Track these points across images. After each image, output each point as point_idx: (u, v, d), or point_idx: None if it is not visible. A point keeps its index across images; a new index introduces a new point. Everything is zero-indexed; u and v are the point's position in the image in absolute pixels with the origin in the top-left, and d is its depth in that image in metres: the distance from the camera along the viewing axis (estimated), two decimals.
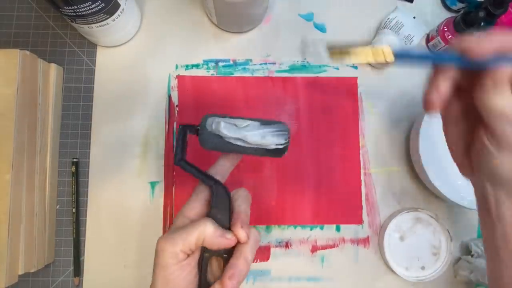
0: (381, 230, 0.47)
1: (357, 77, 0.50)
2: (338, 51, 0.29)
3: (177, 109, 0.48)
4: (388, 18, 0.49)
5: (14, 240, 0.38)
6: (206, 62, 0.49)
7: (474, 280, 0.44)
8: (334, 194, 0.48)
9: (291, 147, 0.49)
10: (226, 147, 0.31)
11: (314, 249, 0.47)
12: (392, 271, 0.45)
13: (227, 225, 0.30)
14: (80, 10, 0.39)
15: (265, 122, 0.32)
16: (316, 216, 0.47)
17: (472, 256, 0.46)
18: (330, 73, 0.50)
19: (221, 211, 0.30)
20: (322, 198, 0.48)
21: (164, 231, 0.46)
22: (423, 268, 0.46)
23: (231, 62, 0.50)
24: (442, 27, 0.48)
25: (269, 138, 0.31)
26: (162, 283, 0.28)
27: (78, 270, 0.45)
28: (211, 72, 0.49)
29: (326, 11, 0.51)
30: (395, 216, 0.46)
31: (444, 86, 0.27)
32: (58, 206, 0.46)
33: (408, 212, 0.46)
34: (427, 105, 0.29)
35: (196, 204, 0.31)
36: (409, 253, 0.46)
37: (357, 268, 0.47)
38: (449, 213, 0.48)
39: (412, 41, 0.48)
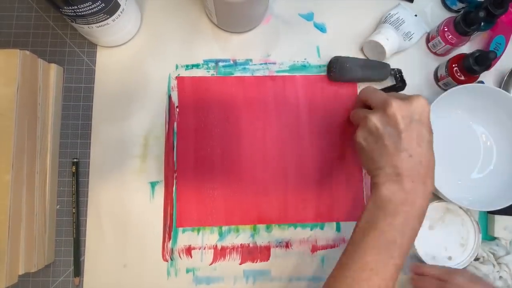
0: None
1: None
2: None
3: (177, 109, 0.48)
4: (389, 14, 0.49)
5: (14, 240, 0.38)
6: (206, 62, 0.49)
7: None
8: (336, 191, 0.48)
9: (292, 146, 0.49)
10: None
11: (314, 249, 0.47)
12: (420, 259, 0.45)
13: None
14: (80, 10, 0.39)
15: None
16: (318, 214, 0.47)
17: (477, 260, 0.46)
18: None
19: None
20: (324, 196, 0.48)
21: (164, 231, 0.46)
22: (450, 258, 0.46)
23: (231, 62, 0.50)
24: (442, 27, 0.48)
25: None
26: None
27: (78, 270, 0.45)
28: (211, 72, 0.49)
29: (326, 11, 0.51)
30: None
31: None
32: (58, 206, 0.46)
33: (438, 201, 0.46)
34: None
35: None
36: (437, 243, 0.46)
37: None
38: None
39: (411, 38, 0.48)
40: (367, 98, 0.40)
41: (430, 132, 0.36)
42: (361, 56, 0.50)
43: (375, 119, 0.36)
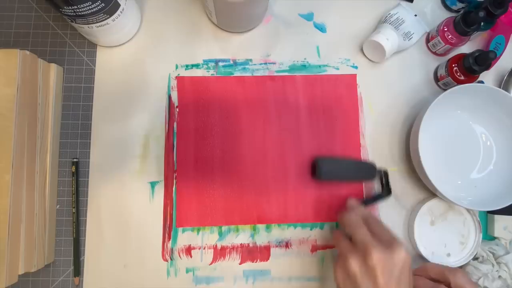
0: (412, 212, 0.48)
1: (356, 74, 0.50)
2: None
3: (177, 109, 0.48)
4: (389, 13, 0.49)
5: (14, 240, 0.38)
6: (206, 62, 0.49)
7: (482, 287, 0.44)
8: (336, 191, 0.48)
9: (291, 145, 0.49)
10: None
11: (314, 249, 0.47)
12: (421, 256, 0.46)
13: None
14: (80, 10, 0.39)
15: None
16: (318, 214, 0.47)
17: (476, 259, 0.46)
18: (330, 73, 0.50)
19: None
20: (324, 196, 0.48)
21: (164, 231, 0.46)
22: (448, 255, 0.46)
23: (231, 62, 0.50)
24: (442, 27, 0.48)
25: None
26: None
27: (78, 270, 0.45)
28: (211, 72, 0.49)
29: (326, 11, 0.51)
30: (428, 199, 0.46)
31: None
32: (58, 206, 0.46)
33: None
34: None
35: None
36: (437, 238, 0.46)
37: None
38: None
39: (411, 38, 0.48)
40: (349, 231, 0.39)
41: (409, 287, 0.35)
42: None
43: (354, 265, 0.35)
